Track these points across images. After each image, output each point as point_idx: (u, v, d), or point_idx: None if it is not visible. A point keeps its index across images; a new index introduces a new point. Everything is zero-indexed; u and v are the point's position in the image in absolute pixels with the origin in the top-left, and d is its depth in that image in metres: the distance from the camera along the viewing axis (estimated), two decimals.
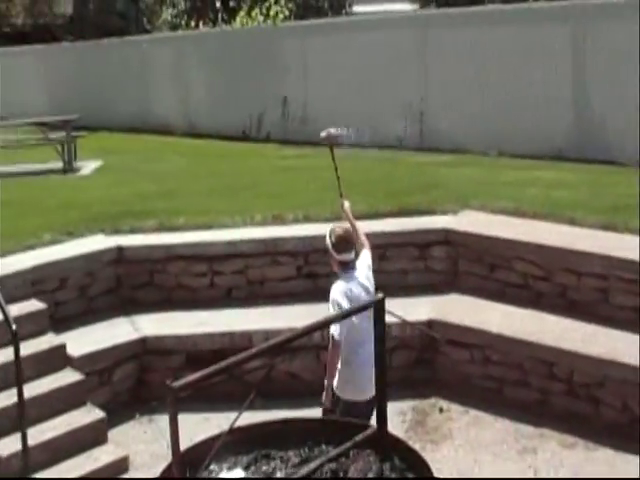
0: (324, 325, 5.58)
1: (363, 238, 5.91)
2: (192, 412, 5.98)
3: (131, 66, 20.96)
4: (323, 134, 6.64)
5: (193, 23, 30.44)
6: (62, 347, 6.98)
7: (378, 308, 4.92)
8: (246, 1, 33.43)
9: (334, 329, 5.27)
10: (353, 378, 5.32)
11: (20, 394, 5.69)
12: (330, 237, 5.61)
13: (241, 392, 6.68)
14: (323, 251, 8.00)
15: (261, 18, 26.18)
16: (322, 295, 7.90)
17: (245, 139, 16.84)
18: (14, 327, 5.75)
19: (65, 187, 12.19)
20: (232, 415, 6.46)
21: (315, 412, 5.34)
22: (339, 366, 5.35)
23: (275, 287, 8.16)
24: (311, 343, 6.95)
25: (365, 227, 8.24)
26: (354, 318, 4.99)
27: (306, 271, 8.17)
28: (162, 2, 45.11)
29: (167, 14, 43.70)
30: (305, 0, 40.62)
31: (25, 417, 5.74)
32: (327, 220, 8.70)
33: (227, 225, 8.79)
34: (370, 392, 4.54)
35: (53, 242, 8.48)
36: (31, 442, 5.79)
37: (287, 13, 27.09)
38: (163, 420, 6.79)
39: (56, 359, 6.87)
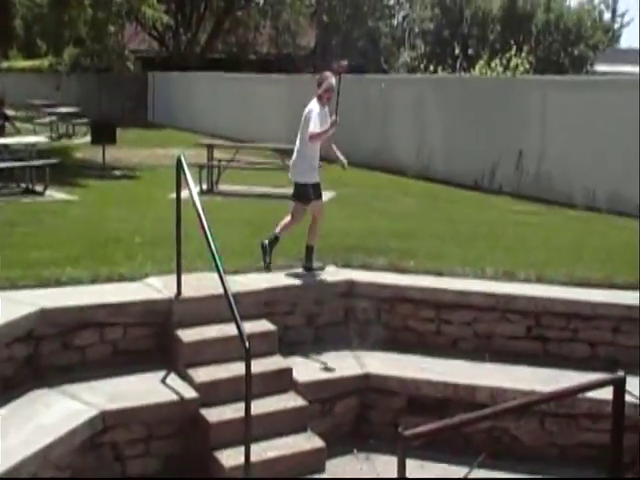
0: (560, 396, 5.49)
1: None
2: (409, 457, 5.94)
3: (370, 104, 21.37)
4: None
5: (432, 67, 30.70)
6: (289, 370, 7.16)
7: (618, 386, 4.80)
8: (486, 50, 33.56)
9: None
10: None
11: (247, 409, 5.86)
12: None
13: (460, 445, 6.70)
14: (556, 315, 7.92)
15: (500, 69, 26.10)
16: (550, 359, 7.78)
17: (476, 189, 16.75)
18: (247, 344, 5.93)
19: None
20: (447, 467, 6.46)
21: None
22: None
23: (502, 344, 7.99)
24: (537, 408, 6.76)
25: (600, 296, 8.07)
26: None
27: (536, 333, 7.96)
28: (401, 44, 46.03)
29: (406, 56, 44.59)
30: (547, 55, 40.36)
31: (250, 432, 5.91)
32: (561, 283, 8.53)
33: (458, 274, 8.72)
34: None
35: (286, 267, 8.71)
36: (253, 458, 5.93)
37: (527, 66, 26.86)
38: (379, 460, 6.85)
39: (282, 381, 7.05)
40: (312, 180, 8.64)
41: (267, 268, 8.50)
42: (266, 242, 8.53)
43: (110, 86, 34.44)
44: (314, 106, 8.46)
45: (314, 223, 8.73)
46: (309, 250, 8.66)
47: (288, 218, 8.75)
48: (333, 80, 8.41)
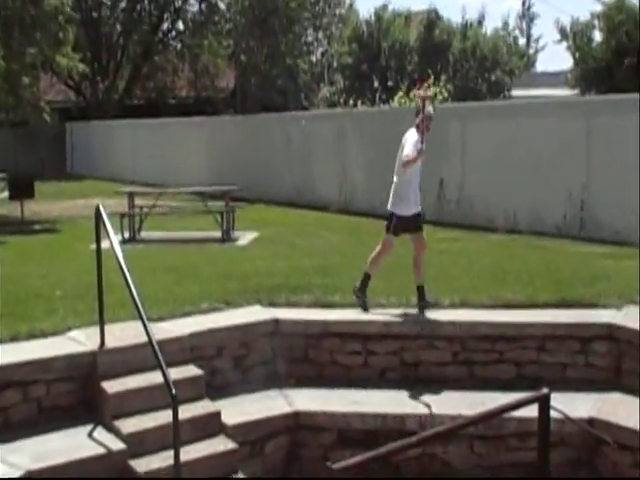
0: (486, 418, 5.55)
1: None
2: None
3: (290, 141, 21.49)
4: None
5: (351, 101, 30.99)
6: (217, 414, 7.10)
7: (543, 403, 4.87)
8: (404, 81, 33.98)
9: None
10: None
11: (177, 457, 5.80)
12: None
13: (390, 474, 6.71)
14: (481, 338, 8.01)
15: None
16: (478, 383, 7.86)
17: None
18: (174, 391, 5.89)
19: (223, 256, 12.48)
20: None
21: None
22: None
23: (429, 371, 8.06)
24: (465, 432, 6.81)
25: (523, 317, 8.21)
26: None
27: (462, 357, 8.04)
28: (321, 80, 46.45)
29: (325, 91, 44.98)
30: (464, 83, 41.10)
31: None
32: (485, 307, 8.65)
33: (383, 305, 8.77)
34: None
35: (211, 310, 8.67)
36: None
37: (446, 95, 27.21)
38: None
39: (211, 426, 6.98)
40: (398, 211, 8.51)
41: (364, 309, 8.55)
42: (357, 285, 8.62)
43: (26, 139, 34.06)
44: (410, 134, 8.46)
45: (416, 260, 8.61)
46: (420, 290, 8.56)
47: (377, 249, 8.66)
48: (431, 108, 8.40)
